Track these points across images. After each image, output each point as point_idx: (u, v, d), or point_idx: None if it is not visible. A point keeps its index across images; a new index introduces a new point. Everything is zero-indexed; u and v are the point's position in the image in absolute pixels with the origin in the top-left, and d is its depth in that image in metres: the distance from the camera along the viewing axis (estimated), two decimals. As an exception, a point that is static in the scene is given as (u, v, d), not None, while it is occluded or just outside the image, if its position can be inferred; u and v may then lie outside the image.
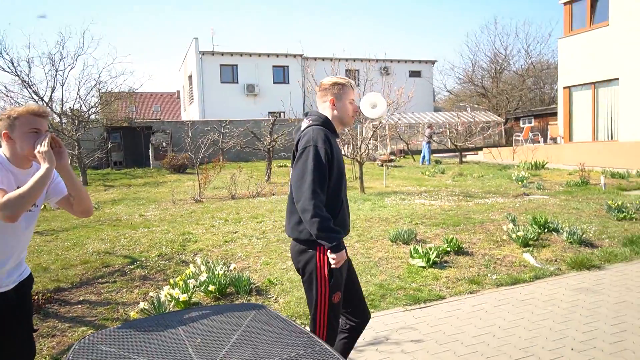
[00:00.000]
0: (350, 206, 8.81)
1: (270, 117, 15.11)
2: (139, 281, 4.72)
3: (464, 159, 19.40)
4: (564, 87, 16.31)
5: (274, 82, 29.45)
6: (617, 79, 14.30)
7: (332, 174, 2.27)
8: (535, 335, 3.30)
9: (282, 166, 18.79)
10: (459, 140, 18.43)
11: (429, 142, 18.30)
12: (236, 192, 11.00)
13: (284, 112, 28.07)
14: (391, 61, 32.83)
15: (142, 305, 3.65)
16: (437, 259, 4.97)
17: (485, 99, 30.59)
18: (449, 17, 73.53)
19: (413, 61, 33.69)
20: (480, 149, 21.63)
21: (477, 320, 3.62)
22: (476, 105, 30.87)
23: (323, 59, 31.69)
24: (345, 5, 79.62)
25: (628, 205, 7.38)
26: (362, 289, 4.37)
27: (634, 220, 6.69)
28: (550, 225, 6.21)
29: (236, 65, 28.51)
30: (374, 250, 5.70)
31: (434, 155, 22.11)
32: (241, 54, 28.50)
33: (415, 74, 33.54)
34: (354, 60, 32.41)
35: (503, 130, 26.87)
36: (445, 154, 22.49)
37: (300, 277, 2.37)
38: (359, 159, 10.32)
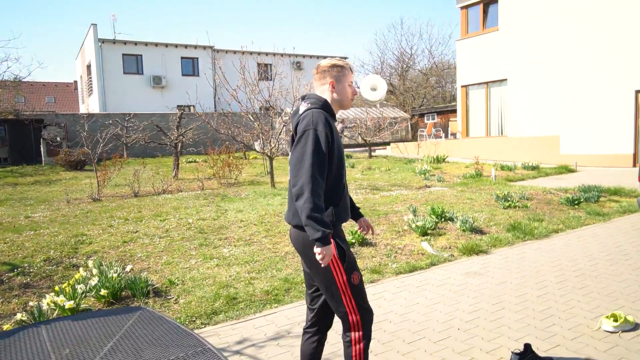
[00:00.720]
0: (259, 201, 8.61)
1: (178, 110, 14.46)
2: (19, 290, 4.28)
3: (373, 154, 20.13)
4: (462, 86, 17.55)
5: (183, 74, 28.32)
6: (506, 79, 15.68)
7: (333, 159, 2.20)
8: (428, 319, 3.50)
9: (191, 162, 18.14)
10: (368, 135, 19.08)
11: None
12: (140, 189, 10.43)
13: (193, 106, 27.18)
14: (303, 56, 33.09)
15: (19, 316, 3.31)
16: (341, 250, 5.09)
17: (393, 95, 31.98)
18: (359, 15, 75.63)
19: (325, 57, 34.18)
20: (389, 143, 22.59)
21: (376, 308, 3.75)
22: (385, 102, 32.18)
23: (234, 52, 31.07)
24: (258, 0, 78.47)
25: (513, 194, 8.14)
26: (267, 284, 4.37)
27: (517, 208, 7.38)
28: (447, 215, 6.64)
29: (141, 55, 26.94)
30: (281, 244, 5.70)
31: (346, 150, 22.69)
32: (146, 44, 26.97)
33: (327, 70, 34.12)
34: (266, 54, 32.24)
35: (409, 126, 28.31)
36: (355, 149, 23.15)
37: (308, 266, 2.29)
38: (269, 154, 10.25)
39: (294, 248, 5.51)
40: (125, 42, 26.47)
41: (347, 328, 2.26)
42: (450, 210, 6.94)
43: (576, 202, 7.54)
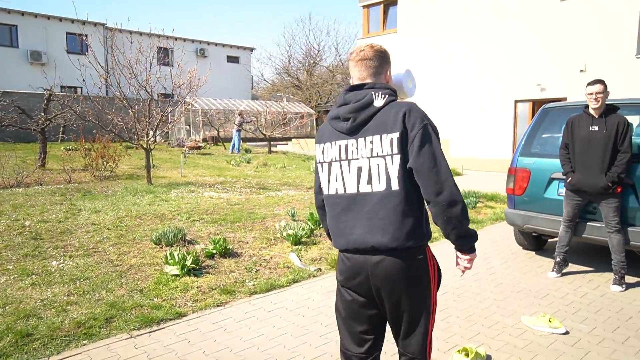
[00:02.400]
0: (126, 200, 7.51)
1: (46, 91, 12.63)
2: None
3: (273, 149, 19.54)
4: (362, 86, 17.57)
5: (69, 52, 25.39)
6: (403, 82, 15.90)
7: None
8: (267, 356, 2.95)
9: (72, 149, 16.12)
10: (268, 130, 18.43)
11: (239, 130, 17.85)
12: (-17, 181, 8.79)
13: (80, 88, 24.50)
14: (208, 43, 31.54)
15: None
16: (194, 265, 4.38)
17: (300, 90, 31.65)
18: (266, 5, 74.07)
19: (231, 46, 32.92)
20: (290, 139, 22.14)
21: (210, 343, 3.12)
22: (291, 97, 31.72)
23: (130, 32, 28.63)
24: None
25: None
26: (86, 312, 3.54)
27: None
28: (325, 220, 6.21)
29: (16, 25, 23.68)
30: (129, 255, 4.85)
31: (247, 143, 21.88)
32: (22, 13, 23.74)
33: (233, 59, 32.86)
34: (167, 37, 30.14)
35: (315, 122, 28.13)
36: (257, 143, 22.39)
37: (407, 302, 1.84)
38: (144, 145, 9.17)
39: (141, 260, 4.69)
40: (-5, 9, 23.08)
41: None
42: (330, 215, 6.53)
43: (455, 208, 7.53)
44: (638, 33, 11.30)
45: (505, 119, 13.49)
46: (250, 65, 34.09)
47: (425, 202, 1.83)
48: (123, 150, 11.16)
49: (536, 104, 13.04)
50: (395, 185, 1.78)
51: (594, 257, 5.06)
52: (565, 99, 11.74)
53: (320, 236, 5.79)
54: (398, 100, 1.88)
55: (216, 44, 31.94)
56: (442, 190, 1.73)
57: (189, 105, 18.10)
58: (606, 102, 4.16)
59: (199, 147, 17.93)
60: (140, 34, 29.54)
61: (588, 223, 4.32)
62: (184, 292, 3.94)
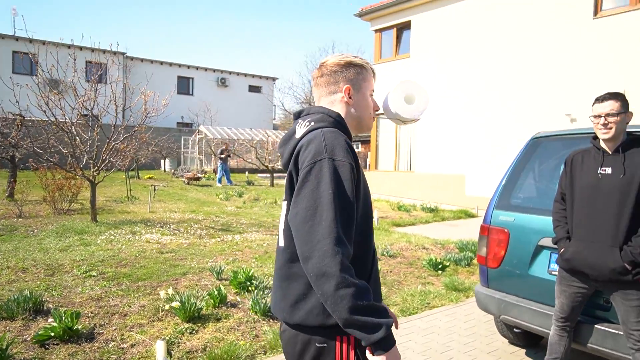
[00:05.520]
0: (44, 242, 5.37)
1: (18, 116, 11.93)
2: None
3: (279, 181, 18.29)
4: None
5: (88, 81, 25.49)
6: (415, 110, 14.35)
7: (358, 205, 1.31)
8: None
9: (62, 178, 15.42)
10: (269, 161, 17.20)
11: (223, 162, 16.66)
12: None
13: (96, 116, 24.37)
14: (230, 73, 31.17)
15: None
16: (-14, 361, 2.97)
17: (321, 121, 30.59)
18: (290, 35, 74.09)
19: (253, 76, 32.43)
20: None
21: None
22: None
23: (152, 61, 28.71)
24: (180, 9, 74.43)
25: (378, 247, 6.38)
26: None
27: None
28: (254, 282, 4.71)
29: (36, 54, 23.99)
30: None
31: (258, 175, 20.82)
32: (44, 42, 24.05)
33: (255, 89, 32.34)
34: (188, 67, 30.05)
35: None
36: (266, 174, 21.25)
37: None
38: (90, 177, 8.03)
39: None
40: (17, 38, 23.48)
41: None
42: (260, 275, 5.03)
43: (440, 267, 5.85)
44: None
45: (530, 153, 11.63)
46: (272, 95, 33.45)
47: None
48: (66, 180, 10.08)
49: (566, 136, 11.15)
50: (281, 240, 1.38)
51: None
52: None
53: (235, 307, 4.27)
54: (322, 128, 1.36)
55: (238, 74, 31.54)
56: (310, 256, 1.18)
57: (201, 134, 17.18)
58: (627, 130, 2.54)
59: (198, 178, 16.89)
60: (161, 63, 29.63)
61: (597, 325, 2.62)
62: None
